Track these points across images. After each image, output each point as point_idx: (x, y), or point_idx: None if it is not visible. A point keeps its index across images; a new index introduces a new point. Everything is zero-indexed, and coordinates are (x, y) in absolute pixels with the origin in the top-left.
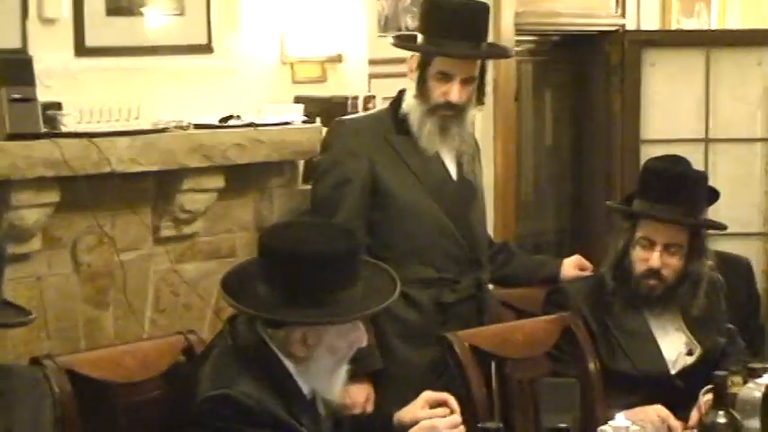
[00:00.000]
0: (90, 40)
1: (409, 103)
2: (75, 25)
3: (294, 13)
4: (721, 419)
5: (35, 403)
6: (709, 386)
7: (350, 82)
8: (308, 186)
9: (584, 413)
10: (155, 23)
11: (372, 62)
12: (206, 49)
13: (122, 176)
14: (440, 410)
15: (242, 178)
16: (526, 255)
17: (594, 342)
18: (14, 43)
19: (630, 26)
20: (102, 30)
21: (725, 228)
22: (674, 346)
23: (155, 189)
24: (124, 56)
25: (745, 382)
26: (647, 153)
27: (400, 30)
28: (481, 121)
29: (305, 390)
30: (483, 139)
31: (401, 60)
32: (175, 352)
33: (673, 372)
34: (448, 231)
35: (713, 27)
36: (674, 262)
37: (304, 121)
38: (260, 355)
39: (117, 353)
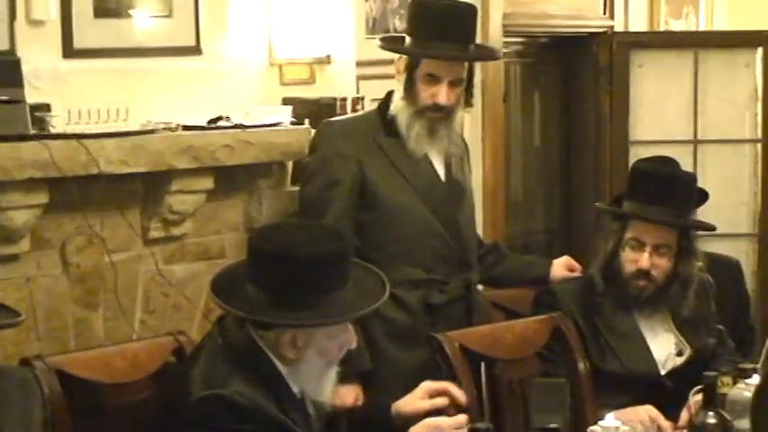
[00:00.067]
0: (78, 42)
1: (397, 105)
2: (63, 27)
3: (282, 14)
4: (711, 420)
5: (25, 404)
6: (699, 387)
7: (338, 83)
8: (297, 188)
9: (573, 413)
10: (143, 25)
11: (360, 64)
12: (194, 50)
13: (111, 178)
14: (439, 401)
15: (231, 179)
16: (516, 255)
17: (584, 342)
18: (2, 45)
19: (619, 28)
20: (90, 31)
21: (714, 229)
22: (664, 347)
23: (143, 190)
24: (112, 57)
25: (734, 383)
26: (636, 154)
27: (388, 31)
28: (470, 123)
29: (295, 390)
30: (472, 141)
31: (389, 62)
32: (165, 353)
33: (662, 372)
34: (436, 232)
35: (701, 29)
36: (664, 263)
37: (292, 123)
38: (251, 356)
39: (107, 354)
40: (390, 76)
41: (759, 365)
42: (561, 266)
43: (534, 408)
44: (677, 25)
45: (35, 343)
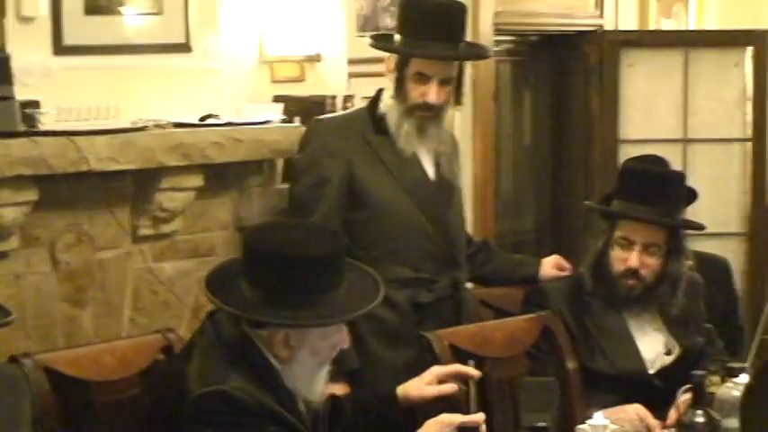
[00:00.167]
0: (68, 39)
1: (387, 104)
2: (54, 24)
3: (273, 12)
4: (699, 419)
5: (14, 402)
6: (688, 385)
7: (328, 81)
8: (287, 185)
9: (562, 412)
10: (133, 22)
11: (351, 62)
12: (184, 48)
13: (101, 175)
14: (448, 387)
15: (221, 177)
16: (505, 254)
17: (573, 341)
18: None
19: (609, 26)
20: (80, 28)
21: (703, 228)
22: (653, 346)
23: (133, 188)
24: (102, 54)
25: (723, 382)
26: (626, 153)
27: (379, 29)
28: (460, 121)
29: (288, 386)
30: (462, 139)
31: (380, 60)
32: (154, 350)
33: (651, 371)
34: (425, 231)
35: (691, 28)
36: (653, 262)
37: (283, 121)
38: (246, 351)
39: (96, 351)
40: (381, 74)
41: (747, 364)
42: (551, 265)
43: (523, 407)
44: (667, 24)
45: (24, 340)
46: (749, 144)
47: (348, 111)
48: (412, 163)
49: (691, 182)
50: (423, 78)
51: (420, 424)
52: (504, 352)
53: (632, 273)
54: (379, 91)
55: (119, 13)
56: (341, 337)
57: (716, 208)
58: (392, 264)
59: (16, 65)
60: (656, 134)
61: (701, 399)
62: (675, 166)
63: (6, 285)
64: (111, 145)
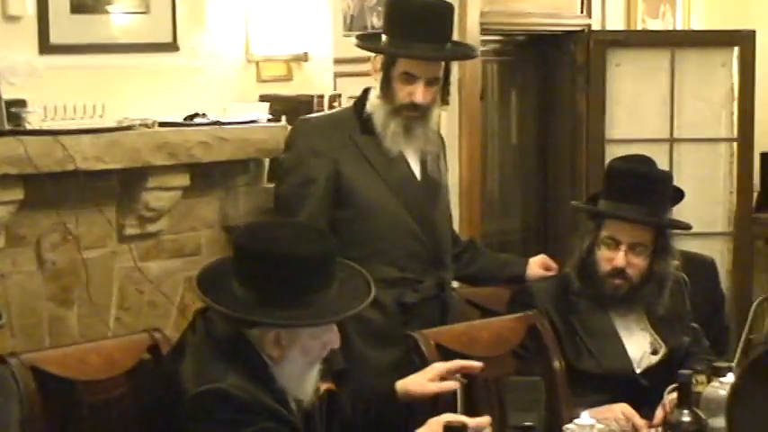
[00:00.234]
0: (54, 38)
1: (373, 103)
2: (40, 22)
3: (259, 11)
4: (686, 418)
5: (2, 402)
6: (674, 385)
7: (315, 81)
8: (273, 185)
9: (549, 412)
10: (120, 21)
11: (338, 61)
12: (171, 47)
13: (87, 174)
14: (450, 383)
15: (207, 176)
16: (492, 253)
17: (560, 341)
18: None
19: (596, 26)
20: (66, 27)
21: (689, 227)
22: (639, 346)
23: (119, 187)
24: (89, 53)
25: (709, 381)
26: (613, 153)
27: (366, 28)
28: (447, 121)
29: (279, 384)
30: (448, 139)
31: (366, 59)
32: (140, 350)
33: (638, 371)
34: (411, 231)
35: (678, 28)
36: (639, 261)
37: (269, 120)
38: (240, 349)
39: (82, 351)
40: (368, 74)
41: (733, 364)
42: (537, 265)
43: (510, 406)
44: (654, 24)
45: (9, 340)
46: (735, 144)
47: (334, 110)
48: (398, 163)
49: (677, 181)
50: (409, 78)
51: (420, 422)
52: (491, 351)
53: (619, 272)
54: (366, 90)
55: (105, 12)
56: (332, 337)
57: (702, 208)
58: (378, 263)
59: (2, 64)
60: (642, 134)
61: (688, 398)
62: (662, 165)
63: None
64: (97, 144)
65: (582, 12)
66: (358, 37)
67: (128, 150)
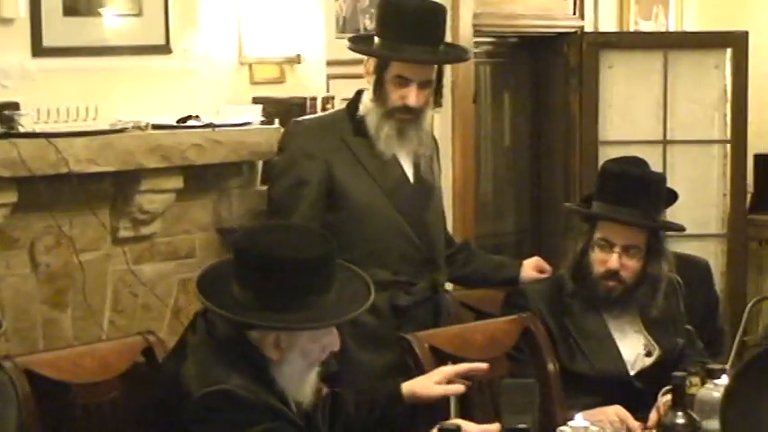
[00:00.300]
0: (47, 40)
1: (366, 106)
2: (33, 25)
3: (252, 13)
4: (680, 420)
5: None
6: (668, 387)
7: (308, 83)
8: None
9: (543, 414)
10: (112, 24)
11: (331, 63)
12: (164, 49)
13: (80, 177)
14: (457, 386)
15: (200, 179)
16: (486, 255)
17: (554, 343)
18: None
19: (588, 28)
20: (59, 30)
21: (683, 229)
22: (633, 348)
23: (113, 189)
24: (82, 56)
25: (703, 383)
26: (606, 154)
27: (359, 31)
28: (440, 123)
29: (280, 385)
30: (442, 141)
31: (359, 61)
32: (135, 353)
33: (632, 373)
34: (404, 233)
35: (671, 29)
36: (633, 263)
37: (262, 122)
38: (241, 350)
39: (76, 354)
40: (361, 76)
41: (727, 366)
42: (531, 267)
43: (504, 408)
44: (647, 26)
45: (3, 343)
46: (728, 146)
47: (326, 112)
48: (391, 165)
49: (670, 183)
50: (402, 81)
51: (426, 423)
52: (485, 354)
53: (612, 274)
54: (359, 92)
55: (98, 14)
56: (331, 340)
57: (695, 209)
58: (371, 266)
59: None
60: (635, 136)
61: (682, 400)
62: (655, 167)
63: None
64: (91, 147)
65: (574, 13)
66: (350, 39)
67: (121, 153)
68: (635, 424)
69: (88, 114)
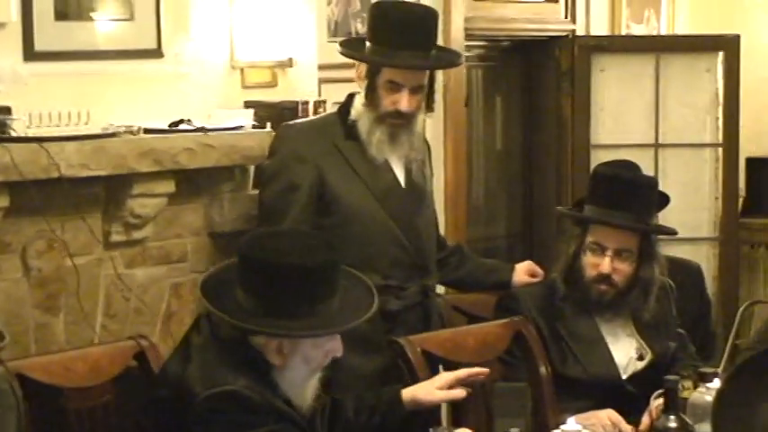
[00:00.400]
0: (39, 45)
1: (358, 111)
2: (24, 29)
3: (244, 17)
4: (672, 424)
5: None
6: (660, 391)
7: (300, 87)
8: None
9: (535, 418)
10: (104, 28)
11: (322, 67)
12: (156, 53)
13: (72, 181)
14: (458, 392)
15: (192, 183)
16: (479, 259)
17: (546, 347)
18: None
19: (580, 32)
20: (51, 34)
21: (675, 233)
22: (625, 351)
23: (105, 194)
24: (74, 60)
25: (695, 387)
26: (598, 158)
27: (350, 35)
28: (432, 127)
29: (282, 389)
30: (433, 145)
31: (351, 65)
32: (127, 357)
33: (624, 376)
34: (395, 238)
35: (662, 33)
36: (625, 267)
37: (254, 126)
38: (246, 353)
39: (68, 358)
40: (352, 80)
41: (720, 369)
42: (523, 271)
43: (496, 412)
44: (638, 29)
45: None
46: (720, 149)
47: (317, 116)
48: (383, 170)
49: (662, 187)
50: (394, 87)
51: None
52: (477, 358)
53: (604, 278)
54: (350, 96)
55: (90, 18)
56: (334, 346)
57: (687, 213)
58: (362, 270)
59: None
60: (627, 139)
61: (674, 404)
62: (647, 171)
63: None
64: (82, 151)
65: (566, 17)
66: (341, 43)
67: (113, 157)
68: (627, 428)
69: (80, 119)
